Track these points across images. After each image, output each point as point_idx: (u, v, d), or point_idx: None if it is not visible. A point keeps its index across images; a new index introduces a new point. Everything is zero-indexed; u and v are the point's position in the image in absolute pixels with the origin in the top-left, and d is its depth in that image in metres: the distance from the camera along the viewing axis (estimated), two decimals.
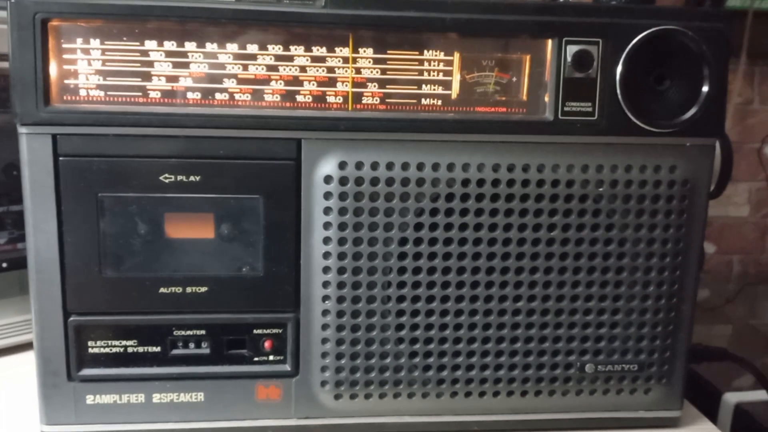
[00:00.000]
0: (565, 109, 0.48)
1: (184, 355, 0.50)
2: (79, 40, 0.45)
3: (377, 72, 0.47)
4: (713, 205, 0.53)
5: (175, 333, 0.49)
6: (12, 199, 0.66)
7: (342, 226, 0.48)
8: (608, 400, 0.53)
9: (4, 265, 0.66)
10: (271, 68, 0.47)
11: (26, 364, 0.62)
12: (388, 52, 0.47)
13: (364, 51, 0.47)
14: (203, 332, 0.50)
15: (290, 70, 0.47)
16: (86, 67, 0.45)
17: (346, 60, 0.47)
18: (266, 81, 0.47)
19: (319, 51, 0.47)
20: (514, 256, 0.49)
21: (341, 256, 0.48)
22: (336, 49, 0.47)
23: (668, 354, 0.53)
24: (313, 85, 0.47)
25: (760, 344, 1.03)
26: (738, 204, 1.34)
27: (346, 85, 0.47)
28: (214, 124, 0.46)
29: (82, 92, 0.46)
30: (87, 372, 0.49)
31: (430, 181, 0.48)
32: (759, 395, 0.79)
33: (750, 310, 1.19)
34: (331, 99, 0.47)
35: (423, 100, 0.48)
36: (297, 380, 0.51)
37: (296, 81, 0.47)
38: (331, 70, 0.47)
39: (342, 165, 0.47)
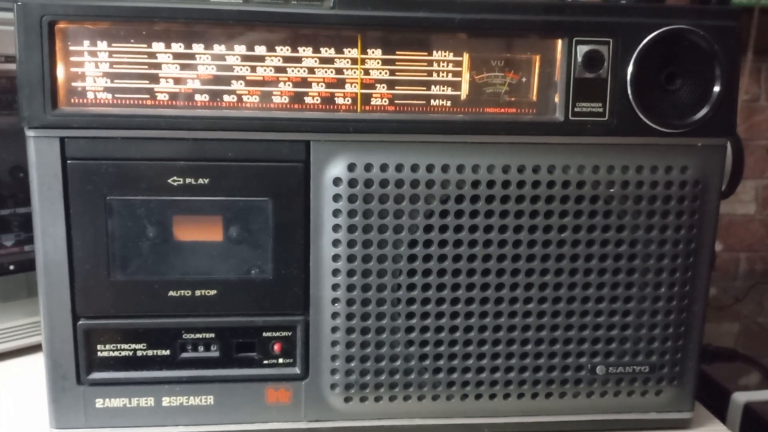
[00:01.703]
0: (576, 109, 0.48)
1: (193, 359, 0.50)
2: (86, 43, 0.45)
3: (386, 73, 0.47)
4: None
5: (184, 336, 0.49)
6: (18, 202, 0.66)
7: (351, 228, 0.48)
8: (619, 402, 0.53)
9: (12, 267, 0.66)
10: (279, 70, 0.46)
11: (35, 366, 0.62)
12: (397, 52, 0.47)
13: (373, 52, 0.47)
14: (212, 335, 0.49)
15: (298, 71, 0.46)
16: (93, 70, 0.45)
17: (354, 61, 0.47)
18: (274, 83, 0.46)
19: (327, 52, 0.46)
20: (525, 257, 0.49)
21: (351, 259, 0.48)
22: (344, 50, 0.46)
23: (679, 355, 0.52)
24: (322, 86, 0.47)
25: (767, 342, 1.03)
26: (745, 201, 1.34)
27: (355, 87, 0.47)
28: (222, 126, 0.46)
29: (90, 95, 0.45)
30: (96, 375, 0.49)
31: (440, 183, 0.48)
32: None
33: (758, 308, 1.19)
34: (339, 100, 0.47)
35: (432, 101, 0.48)
36: (307, 383, 0.50)
37: (304, 82, 0.47)
38: (339, 71, 0.47)
39: (351, 167, 0.47)
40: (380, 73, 0.47)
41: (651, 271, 0.50)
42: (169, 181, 0.47)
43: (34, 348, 0.65)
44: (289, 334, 0.50)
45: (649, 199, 0.49)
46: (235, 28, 0.45)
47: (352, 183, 0.47)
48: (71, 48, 0.45)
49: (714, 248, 0.52)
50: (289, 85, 0.47)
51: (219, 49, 0.46)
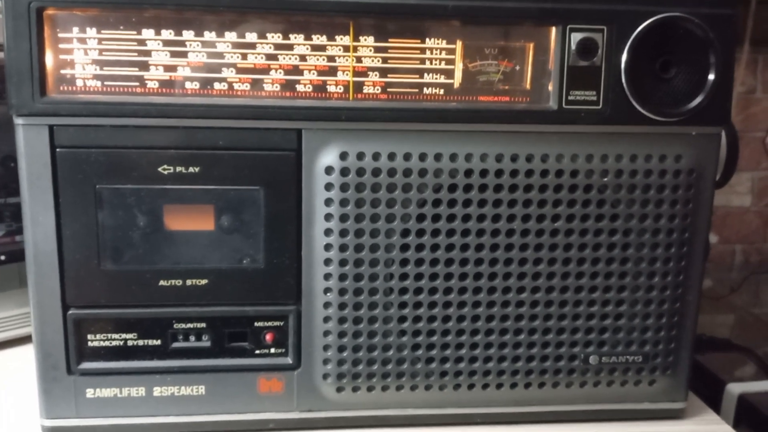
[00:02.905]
0: (569, 97, 0.47)
1: (184, 348, 0.49)
2: (75, 30, 0.44)
3: (378, 61, 0.47)
4: (715, 194, 0.52)
5: (175, 326, 0.49)
6: (9, 191, 0.66)
7: (343, 218, 0.47)
8: (612, 392, 0.53)
9: (3, 257, 0.65)
10: (271, 57, 0.46)
11: (26, 357, 0.62)
12: (390, 40, 0.46)
13: (365, 39, 0.46)
14: (204, 325, 0.49)
15: (290, 59, 0.46)
16: (83, 57, 0.45)
17: (346, 48, 0.46)
18: (266, 70, 0.46)
19: (319, 39, 0.46)
20: (518, 247, 0.49)
21: (343, 248, 0.48)
22: (336, 37, 0.46)
23: (673, 345, 0.52)
24: (314, 74, 0.46)
25: (762, 333, 1.03)
26: (740, 193, 1.34)
27: (347, 75, 0.47)
28: (213, 114, 0.46)
29: (79, 82, 0.45)
30: (87, 365, 0.49)
31: (433, 172, 0.47)
32: (763, 386, 0.79)
33: (753, 299, 1.19)
34: (331, 88, 0.47)
35: (425, 89, 0.47)
36: (299, 373, 0.50)
37: (296, 70, 0.46)
38: (331, 58, 0.46)
39: (343, 155, 0.47)
40: (373, 60, 0.47)
41: (645, 260, 0.50)
42: (160, 169, 0.46)
43: (26, 339, 0.65)
44: (281, 323, 0.50)
45: (643, 188, 0.49)
46: (225, 14, 0.45)
47: (344, 172, 0.47)
48: (60, 35, 0.44)
49: (708, 237, 0.52)
50: (280, 72, 0.46)
51: (209, 36, 0.45)
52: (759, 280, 1.28)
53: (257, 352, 0.50)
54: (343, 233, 0.48)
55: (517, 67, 0.48)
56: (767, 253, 1.37)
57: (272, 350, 0.50)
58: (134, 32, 0.45)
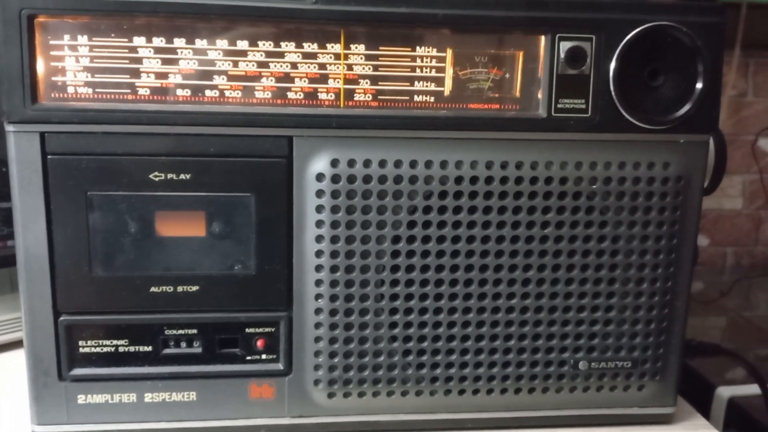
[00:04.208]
0: (559, 105, 0.48)
1: (176, 355, 0.50)
2: (67, 37, 0.44)
3: (369, 68, 0.47)
4: (707, 197, 0.52)
5: (166, 332, 0.49)
6: (1, 196, 0.66)
7: (334, 224, 0.48)
8: (602, 397, 0.53)
9: None
10: (262, 65, 0.46)
11: (18, 361, 0.62)
12: (380, 48, 0.47)
13: (356, 47, 0.46)
14: (195, 331, 0.49)
15: (281, 66, 0.46)
16: (74, 64, 0.45)
17: (337, 56, 0.46)
18: (257, 78, 0.46)
19: (310, 47, 0.46)
20: (507, 253, 0.49)
21: (334, 254, 0.48)
22: (327, 45, 0.46)
23: (662, 350, 0.53)
24: (305, 81, 0.47)
25: (754, 336, 1.03)
26: (732, 196, 1.34)
27: (338, 82, 0.47)
28: (204, 121, 0.46)
29: (70, 89, 0.45)
30: (78, 372, 0.49)
31: (423, 179, 0.48)
32: (752, 389, 0.79)
33: (744, 302, 1.19)
34: (322, 96, 0.47)
35: (415, 96, 0.48)
36: (290, 379, 0.50)
37: (287, 78, 0.46)
38: (322, 66, 0.46)
39: (334, 162, 0.47)
40: (363, 68, 0.47)
41: (633, 266, 0.51)
42: (151, 176, 0.46)
43: (18, 343, 0.65)
44: (272, 329, 0.50)
45: (632, 195, 0.49)
46: (217, 22, 0.45)
47: (335, 179, 0.47)
48: (51, 42, 0.44)
49: (696, 244, 0.52)
50: (271, 80, 0.46)
51: (201, 43, 0.45)
52: (750, 283, 1.28)
53: (248, 358, 0.50)
54: (334, 240, 0.48)
55: (507, 75, 0.48)
56: (758, 256, 1.38)
57: (263, 356, 0.50)
58: (125, 39, 0.45)
